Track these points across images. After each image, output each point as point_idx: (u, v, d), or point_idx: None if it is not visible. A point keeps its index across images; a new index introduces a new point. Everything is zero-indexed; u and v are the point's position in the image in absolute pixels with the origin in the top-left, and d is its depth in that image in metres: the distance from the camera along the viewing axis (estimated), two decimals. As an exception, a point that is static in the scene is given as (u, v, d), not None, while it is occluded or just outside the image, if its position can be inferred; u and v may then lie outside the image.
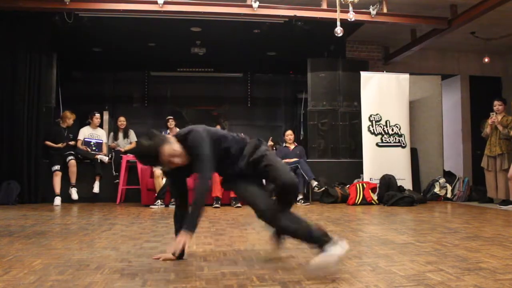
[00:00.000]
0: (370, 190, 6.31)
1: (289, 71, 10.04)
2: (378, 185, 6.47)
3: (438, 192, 6.84)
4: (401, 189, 6.41)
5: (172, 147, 2.40)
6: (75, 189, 6.31)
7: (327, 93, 7.54)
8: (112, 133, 7.21)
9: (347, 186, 6.61)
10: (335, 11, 4.46)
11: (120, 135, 7.12)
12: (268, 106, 10.35)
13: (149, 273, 2.28)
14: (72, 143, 6.58)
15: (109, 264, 2.49)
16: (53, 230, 3.78)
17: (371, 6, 5.92)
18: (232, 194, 6.08)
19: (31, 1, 5.62)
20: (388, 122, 6.94)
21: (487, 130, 6.14)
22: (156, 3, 5.58)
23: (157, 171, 6.09)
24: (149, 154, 2.38)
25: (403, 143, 6.96)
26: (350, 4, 4.24)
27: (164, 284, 2.09)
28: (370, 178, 6.65)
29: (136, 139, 7.18)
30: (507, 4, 5.42)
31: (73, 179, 6.35)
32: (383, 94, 6.97)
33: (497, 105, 6.06)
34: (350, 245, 3.03)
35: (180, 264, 2.48)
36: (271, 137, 7.11)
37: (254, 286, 2.05)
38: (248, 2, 5.73)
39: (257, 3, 5.67)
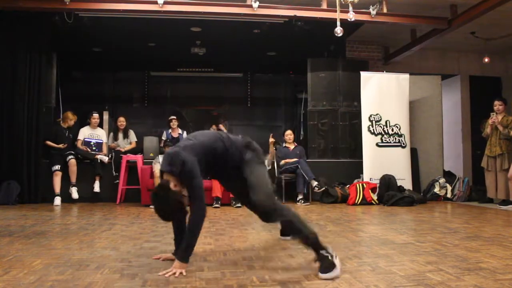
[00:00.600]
0: (370, 190, 6.31)
1: (289, 71, 10.04)
2: (378, 185, 6.47)
3: (438, 192, 6.83)
4: (401, 189, 6.41)
5: (177, 196, 2.40)
6: (76, 188, 6.31)
7: (327, 93, 7.54)
8: (112, 133, 7.20)
9: (347, 186, 6.61)
10: (335, 11, 4.46)
11: (120, 135, 7.11)
12: (268, 106, 10.34)
13: (149, 273, 2.28)
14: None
15: (109, 264, 2.49)
16: (53, 230, 3.78)
17: (371, 6, 5.92)
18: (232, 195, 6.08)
19: (31, 1, 5.62)
20: (388, 122, 6.94)
21: (488, 130, 6.14)
22: (156, 3, 5.58)
23: (157, 171, 6.09)
24: (167, 211, 2.41)
25: (403, 143, 6.96)
26: (350, 4, 4.23)
27: (164, 284, 2.09)
28: (370, 178, 6.65)
29: (135, 139, 7.18)
30: (507, 4, 5.41)
31: (73, 179, 6.35)
32: (383, 94, 6.97)
33: (497, 105, 6.05)
34: (350, 245, 3.04)
35: (180, 264, 2.48)
36: (271, 134, 7.07)
37: (254, 286, 2.05)
38: (248, 2, 5.73)
39: (257, 3, 5.67)
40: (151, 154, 6.92)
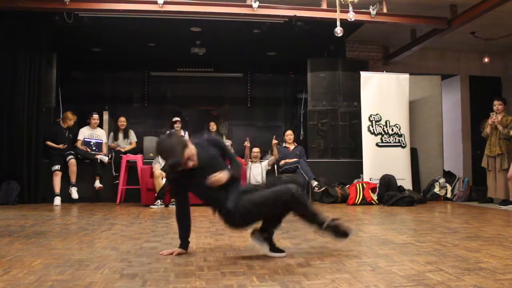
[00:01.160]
0: (370, 190, 6.31)
1: (289, 71, 10.05)
2: (378, 185, 6.47)
3: (438, 192, 6.83)
4: (401, 189, 6.41)
5: (191, 150, 2.63)
6: (75, 188, 6.31)
7: (327, 93, 7.54)
8: (112, 133, 7.20)
9: (347, 186, 6.61)
10: (335, 11, 4.45)
11: (120, 135, 7.11)
12: (268, 106, 10.35)
13: (149, 273, 2.28)
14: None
15: (109, 264, 2.49)
16: (53, 230, 3.78)
17: (371, 6, 5.92)
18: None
19: (31, 1, 5.62)
20: (388, 122, 6.94)
21: (487, 130, 6.14)
22: (156, 3, 5.58)
23: (157, 171, 6.09)
24: (176, 152, 2.55)
25: (403, 143, 6.96)
26: (350, 4, 4.23)
27: (164, 284, 2.09)
28: (370, 178, 6.65)
29: (135, 140, 7.18)
30: (507, 4, 5.41)
31: (73, 178, 6.35)
32: (383, 94, 6.97)
33: (497, 104, 6.05)
34: (350, 245, 3.04)
35: (180, 264, 2.49)
36: (274, 136, 7.08)
37: (254, 286, 2.05)
38: (248, 2, 5.73)
39: (257, 3, 5.67)
40: (151, 154, 6.91)
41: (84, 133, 6.80)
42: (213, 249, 2.96)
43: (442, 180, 6.93)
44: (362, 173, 6.83)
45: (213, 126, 8.01)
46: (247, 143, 6.82)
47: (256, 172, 6.56)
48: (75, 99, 8.65)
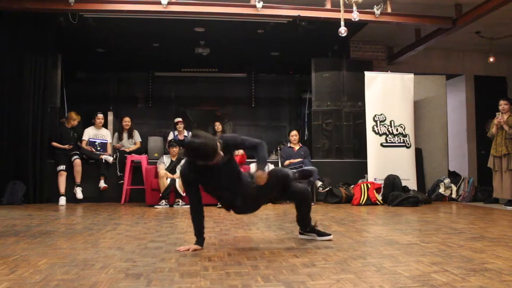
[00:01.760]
0: (374, 191, 6.29)
1: (289, 71, 10.03)
2: (382, 185, 6.46)
3: (443, 193, 6.81)
4: (405, 189, 6.39)
5: (219, 150, 2.76)
6: (80, 188, 6.34)
7: (331, 93, 7.53)
8: (116, 134, 7.22)
9: (352, 186, 6.60)
10: (339, 11, 4.45)
11: (125, 135, 7.13)
12: (272, 106, 10.34)
13: (153, 273, 2.29)
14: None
15: (114, 264, 2.50)
16: (58, 230, 3.80)
17: (375, 6, 5.91)
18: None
19: (36, 2, 5.65)
20: (392, 122, 6.92)
21: (493, 130, 6.11)
22: (160, 3, 5.59)
23: (162, 171, 6.11)
24: (210, 151, 2.67)
25: (408, 143, 6.94)
26: (354, 4, 4.23)
27: (169, 284, 2.09)
28: (375, 178, 6.63)
29: (140, 140, 7.20)
30: (512, 3, 5.39)
31: (78, 179, 6.38)
32: (387, 94, 6.96)
33: (502, 104, 6.02)
34: (355, 245, 3.03)
35: (185, 264, 2.49)
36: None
37: (258, 286, 2.05)
38: (252, 2, 5.73)
39: (261, 3, 5.67)
40: (156, 154, 6.93)
41: (89, 133, 6.83)
42: (217, 249, 2.96)
43: (447, 181, 6.90)
44: (366, 173, 6.81)
45: (218, 126, 8.01)
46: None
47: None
48: (80, 99, 8.68)
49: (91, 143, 6.76)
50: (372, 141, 6.86)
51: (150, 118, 9.72)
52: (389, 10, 5.95)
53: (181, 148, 6.76)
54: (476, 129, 8.59)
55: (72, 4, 5.54)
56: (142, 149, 7.10)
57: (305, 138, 8.75)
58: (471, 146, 8.64)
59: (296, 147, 6.94)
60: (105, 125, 7.24)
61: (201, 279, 2.18)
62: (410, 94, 7.03)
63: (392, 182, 6.43)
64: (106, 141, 6.89)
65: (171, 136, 7.43)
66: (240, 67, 9.82)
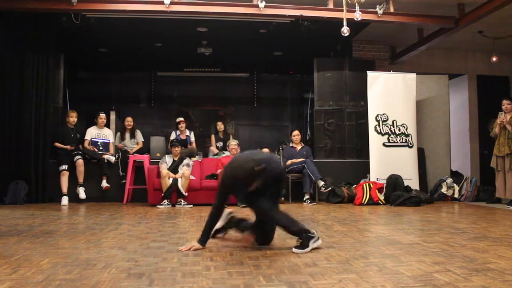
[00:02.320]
0: (376, 190, 6.28)
1: (295, 71, 10.02)
2: (384, 185, 6.44)
3: (445, 192, 6.79)
4: (408, 189, 6.38)
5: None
6: (83, 188, 6.35)
7: (334, 93, 7.53)
8: (119, 133, 7.23)
9: (354, 186, 6.59)
10: (342, 10, 4.45)
11: (127, 135, 7.14)
12: (274, 106, 10.34)
13: (155, 273, 2.29)
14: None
15: (116, 263, 2.51)
16: (61, 230, 3.81)
17: (377, 6, 5.90)
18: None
19: (39, 2, 5.66)
20: (395, 122, 6.91)
21: (496, 130, 6.09)
22: (162, 3, 5.60)
23: (164, 171, 6.11)
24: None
25: (410, 143, 6.93)
26: (356, 4, 4.22)
27: (171, 283, 2.10)
28: (377, 178, 6.62)
29: (142, 140, 7.20)
30: (515, 3, 5.37)
31: (80, 179, 6.39)
32: (389, 94, 6.94)
33: (505, 104, 6.00)
34: (357, 245, 3.03)
35: (187, 264, 2.49)
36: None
37: (260, 286, 2.05)
38: (255, 2, 5.73)
39: (264, 3, 5.67)
40: (158, 154, 6.94)
41: (91, 133, 6.84)
42: (219, 249, 2.96)
43: (449, 180, 6.89)
44: (368, 173, 6.80)
45: (220, 126, 8.02)
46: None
47: None
48: (82, 99, 8.69)
49: (93, 143, 6.77)
50: (375, 140, 6.85)
51: (152, 118, 9.74)
52: (391, 10, 5.94)
53: (183, 148, 6.77)
54: (478, 128, 8.56)
55: (74, 4, 5.56)
56: (144, 149, 7.11)
57: (307, 138, 8.76)
58: (473, 145, 8.62)
59: (298, 147, 6.94)
60: (107, 125, 7.25)
61: (203, 278, 2.18)
62: (412, 94, 7.02)
63: (394, 181, 6.42)
64: (108, 141, 6.90)
65: (173, 136, 7.43)
66: (243, 67, 9.83)
